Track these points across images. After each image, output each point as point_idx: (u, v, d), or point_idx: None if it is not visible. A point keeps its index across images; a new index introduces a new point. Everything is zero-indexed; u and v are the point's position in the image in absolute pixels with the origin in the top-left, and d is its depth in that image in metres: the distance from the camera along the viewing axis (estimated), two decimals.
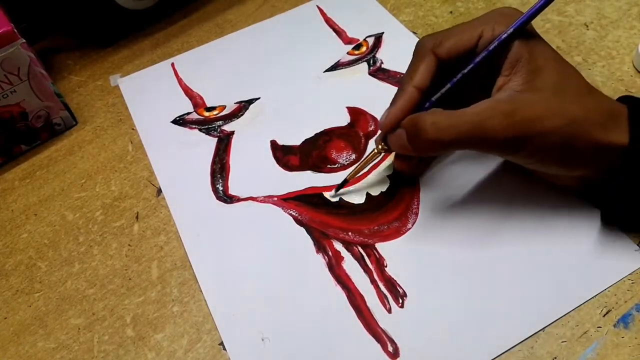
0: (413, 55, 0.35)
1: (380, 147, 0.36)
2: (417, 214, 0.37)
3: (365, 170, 0.39)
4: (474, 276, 0.34)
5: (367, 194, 0.38)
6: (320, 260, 0.36)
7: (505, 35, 0.32)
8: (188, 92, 0.47)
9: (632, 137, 0.30)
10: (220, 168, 0.41)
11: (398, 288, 0.34)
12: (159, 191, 0.41)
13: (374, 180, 0.39)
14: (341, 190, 0.38)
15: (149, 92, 0.48)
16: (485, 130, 0.30)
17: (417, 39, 0.47)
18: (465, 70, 0.33)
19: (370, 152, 0.37)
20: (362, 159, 0.38)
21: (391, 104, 0.35)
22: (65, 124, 0.46)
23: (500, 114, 0.30)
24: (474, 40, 0.33)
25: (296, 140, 0.42)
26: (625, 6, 0.47)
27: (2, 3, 0.41)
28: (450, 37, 0.34)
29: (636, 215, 0.33)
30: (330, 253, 0.36)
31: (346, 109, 0.43)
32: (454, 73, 0.33)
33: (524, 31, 0.32)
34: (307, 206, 0.38)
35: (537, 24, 0.47)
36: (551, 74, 0.31)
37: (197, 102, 0.46)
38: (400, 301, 0.33)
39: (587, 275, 0.33)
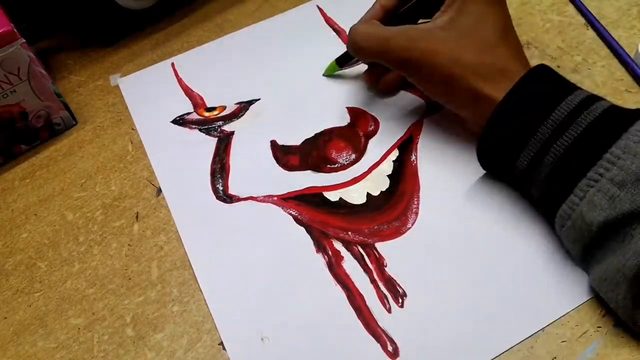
0: None
1: None
2: (417, 213, 0.37)
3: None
4: (474, 276, 0.34)
5: (367, 194, 0.38)
6: (320, 260, 0.36)
7: None
8: (188, 92, 0.47)
9: (506, 95, 0.33)
10: (220, 168, 0.41)
11: (398, 288, 0.34)
12: (159, 191, 0.41)
13: (374, 180, 0.39)
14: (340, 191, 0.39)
15: (149, 92, 0.48)
16: (389, 46, 0.36)
17: None
18: None
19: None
20: None
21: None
22: (65, 124, 0.46)
23: (405, 37, 0.36)
24: None
25: (296, 140, 0.42)
26: (625, 6, 0.47)
27: (2, 3, 0.41)
28: None
29: (493, 163, 0.35)
30: (330, 253, 0.36)
31: (346, 109, 0.43)
32: None
33: None
34: (307, 206, 0.38)
35: (537, 24, 0.47)
36: (470, 18, 0.35)
37: (197, 102, 0.46)
38: (400, 301, 0.33)
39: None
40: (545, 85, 0.33)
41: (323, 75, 0.46)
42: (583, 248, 0.31)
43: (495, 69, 0.34)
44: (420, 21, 0.40)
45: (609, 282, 0.30)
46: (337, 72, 0.46)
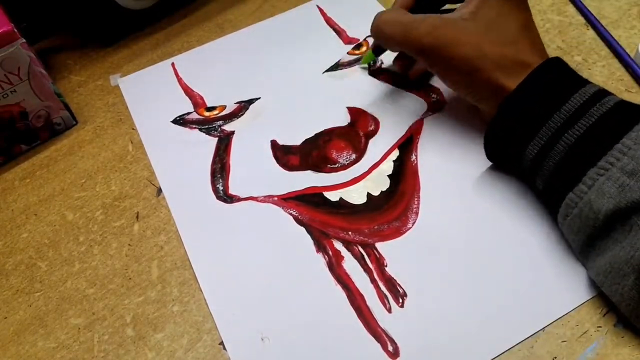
0: None
1: None
2: (417, 213, 0.37)
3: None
4: (474, 276, 0.34)
5: (368, 194, 0.38)
6: (320, 260, 0.36)
7: None
8: (188, 92, 0.47)
9: (520, 83, 0.33)
10: (220, 168, 0.41)
11: (398, 288, 0.34)
12: (159, 191, 0.41)
13: (374, 180, 0.39)
14: (338, 192, 0.39)
15: (149, 92, 0.48)
16: (411, 33, 0.36)
17: None
18: None
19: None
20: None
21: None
22: (65, 124, 0.46)
23: (429, 24, 0.35)
24: None
25: (296, 140, 0.42)
26: (625, 6, 0.47)
27: (2, 3, 0.41)
28: None
29: (500, 153, 0.36)
30: (330, 252, 0.36)
31: (346, 109, 0.43)
32: None
33: None
34: (307, 206, 0.38)
35: (537, 24, 0.47)
36: (493, 11, 0.35)
37: (197, 102, 0.46)
38: (400, 301, 0.33)
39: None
40: (559, 76, 0.33)
41: (360, 66, 0.46)
42: (587, 238, 0.31)
43: (516, 61, 0.34)
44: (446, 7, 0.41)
45: (614, 274, 0.30)
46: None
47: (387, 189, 0.38)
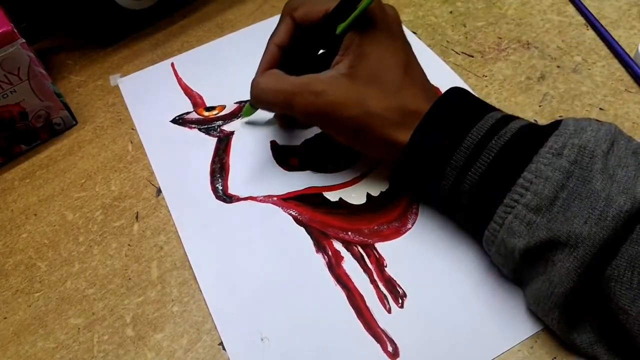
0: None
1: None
2: (417, 214, 0.37)
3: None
4: (474, 276, 0.34)
5: (367, 194, 0.38)
6: (320, 260, 0.36)
7: (327, 14, 0.35)
8: (188, 91, 0.47)
9: (410, 140, 0.32)
10: (219, 168, 0.41)
11: (398, 288, 0.34)
12: (159, 191, 0.41)
13: (374, 180, 0.39)
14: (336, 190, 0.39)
15: (149, 92, 0.48)
16: (293, 102, 0.34)
17: (417, 39, 0.48)
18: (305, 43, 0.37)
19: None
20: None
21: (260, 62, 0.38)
22: (65, 124, 0.46)
23: (310, 92, 0.34)
24: (322, 13, 0.36)
25: (296, 141, 0.42)
26: (625, 6, 0.47)
27: (2, 3, 0.41)
28: (305, 4, 0.37)
29: (415, 189, 0.36)
30: (330, 253, 0.36)
31: None
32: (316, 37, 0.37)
33: (365, 18, 0.34)
34: (307, 206, 0.38)
35: (537, 24, 0.47)
36: (370, 62, 0.34)
37: (196, 101, 0.46)
38: (400, 301, 0.33)
39: None
40: (456, 110, 0.32)
41: (242, 120, 0.44)
42: (512, 271, 0.31)
43: (404, 112, 0.33)
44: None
45: (541, 307, 0.29)
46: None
47: (387, 189, 0.38)
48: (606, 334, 0.29)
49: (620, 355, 0.29)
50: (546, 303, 0.29)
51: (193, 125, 0.45)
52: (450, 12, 0.50)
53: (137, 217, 0.40)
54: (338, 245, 0.36)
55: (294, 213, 0.38)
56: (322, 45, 0.37)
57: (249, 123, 0.44)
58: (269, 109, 0.39)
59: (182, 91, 0.47)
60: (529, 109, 0.41)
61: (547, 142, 0.29)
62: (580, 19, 0.47)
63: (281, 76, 0.36)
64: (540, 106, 0.41)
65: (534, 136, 0.30)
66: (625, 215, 0.26)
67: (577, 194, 0.28)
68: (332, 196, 0.39)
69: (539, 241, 0.28)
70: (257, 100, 0.36)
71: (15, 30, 0.39)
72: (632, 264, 0.26)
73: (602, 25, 0.45)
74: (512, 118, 0.32)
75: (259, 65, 0.38)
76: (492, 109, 0.33)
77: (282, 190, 0.39)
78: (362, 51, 0.34)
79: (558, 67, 0.44)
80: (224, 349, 0.33)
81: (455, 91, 0.33)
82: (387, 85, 0.34)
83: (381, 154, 0.36)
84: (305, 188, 0.39)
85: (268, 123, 0.44)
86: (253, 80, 0.37)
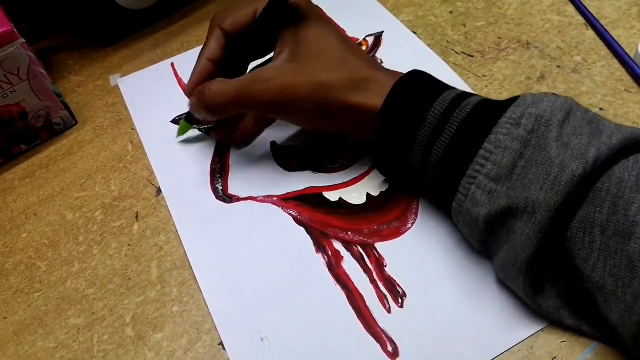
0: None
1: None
2: (417, 214, 0.37)
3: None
4: (474, 276, 0.34)
5: (367, 194, 0.38)
6: (320, 260, 0.36)
7: (262, 10, 0.36)
8: None
9: (385, 100, 0.33)
10: (220, 168, 0.41)
11: (398, 288, 0.34)
12: (159, 191, 0.41)
13: (374, 180, 0.39)
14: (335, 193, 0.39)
15: (149, 92, 0.48)
16: (248, 94, 0.35)
17: (417, 39, 0.48)
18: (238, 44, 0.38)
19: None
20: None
21: (190, 77, 0.39)
22: (65, 124, 0.46)
23: (260, 81, 0.35)
24: (250, 16, 0.37)
25: (296, 141, 0.42)
26: (625, 6, 0.47)
27: (2, 3, 0.41)
28: (231, 13, 0.38)
29: (390, 168, 0.36)
30: (330, 253, 0.36)
31: None
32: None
33: (292, 11, 0.36)
34: (307, 206, 0.38)
35: (537, 24, 0.47)
36: (311, 45, 0.35)
37: None
38: (400, 301, 0.33)
39: None
40: (418, 88, 0.33)
41: (177, 139, 0.43)
42: (478, 242, 0.32)
43: (356, 79, 0.34)
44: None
45: (508, 275, 0.31)
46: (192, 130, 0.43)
47: (387, 189, 0.38)
48: (571, 299, 0.30)
49: (584, 319, 0.30)
50: (511, 270, 0.30)
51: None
52: (450, 12, 0.50)
53: (137, 217, 0.40)
54: (338, 245, 0.36)
55: (294, 213, 0.38)
56: (257, 49, 0.39)
57: (184, 142, 0.43)
58: (223, 113, 0.37)
59: (182, 91, 0.47)
60: None
61: (505, 113, 0.30)
62: (580, 19, 0.47)
63: (226, 79, 0.36)
64: None
65: (494, 108, 0.31)
66: (578, 179, 0.27)
67: (534, 162, 0.28)
68: (332, 196, 0.39)
69: (500, 209, 0.29)
70: (210, 104, 0.36)
71: (15, 30, 0.39)
72: (584, 225, 0.28)
73: (602, 25, 0.45)
74: (470, 94, 0.33)
75: (190, 81, 0.39)
76: (451, 87, 0.34)
77: (282, 191, 0.39)
78: (298, 38, 0.36)
79: (558, 67, 0.44)
80: (224, 349, 0.33)
81: (415, 72, 0.34)
82: (332, 59, 0.35)
83: (343, 124, 0.36)
84: (305, 188, 0.39)
85: (203, 139, 0.43)
86: (198, 90, 0.36)
